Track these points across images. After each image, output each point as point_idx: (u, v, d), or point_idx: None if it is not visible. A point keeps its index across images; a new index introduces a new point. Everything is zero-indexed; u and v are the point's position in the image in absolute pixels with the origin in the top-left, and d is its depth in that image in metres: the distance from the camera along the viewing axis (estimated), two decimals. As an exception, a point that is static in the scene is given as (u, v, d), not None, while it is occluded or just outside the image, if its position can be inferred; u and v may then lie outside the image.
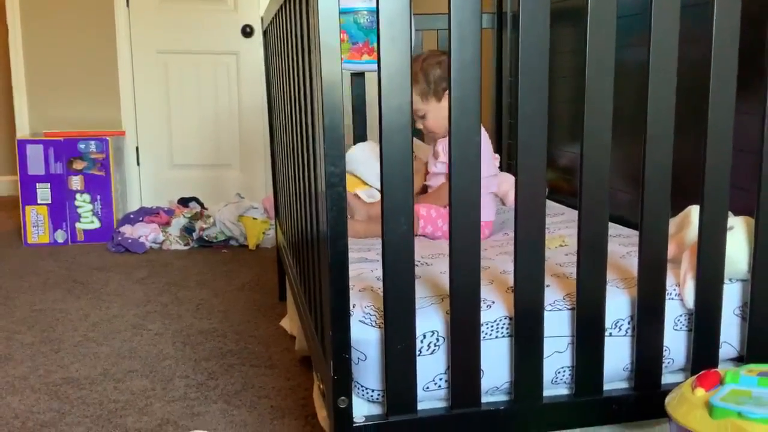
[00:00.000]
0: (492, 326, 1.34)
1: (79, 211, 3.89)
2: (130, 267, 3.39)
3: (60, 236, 3.89)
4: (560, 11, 2.41)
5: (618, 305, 1.39)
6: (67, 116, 4.34)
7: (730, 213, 1.40)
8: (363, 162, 2.39)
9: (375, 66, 2.59)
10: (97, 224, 3.92)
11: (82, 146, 3.85)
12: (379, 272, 1.42)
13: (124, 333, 2.48)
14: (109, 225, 3.91)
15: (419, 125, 2.11)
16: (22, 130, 4.33)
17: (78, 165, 3.86)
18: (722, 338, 1.43)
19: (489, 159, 2.09)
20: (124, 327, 2.54)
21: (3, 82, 5.04)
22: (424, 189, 2.20)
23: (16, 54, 4.29)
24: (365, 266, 1.62)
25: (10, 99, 4.45)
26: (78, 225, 3.90)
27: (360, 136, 2.84)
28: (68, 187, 3.86)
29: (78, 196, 3.88)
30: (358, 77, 2.81)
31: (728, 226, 1.40)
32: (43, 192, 3.84)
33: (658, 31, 1.28)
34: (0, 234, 4.14)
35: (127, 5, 4.32)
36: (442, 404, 1.34)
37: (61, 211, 3.87)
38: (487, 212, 2.02)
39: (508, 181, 2.37)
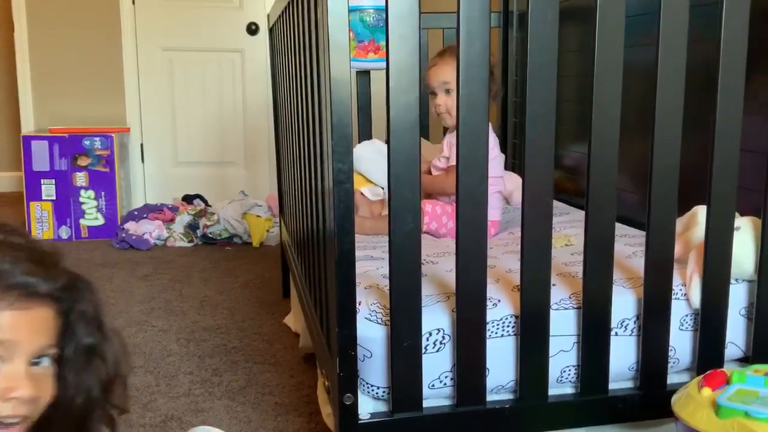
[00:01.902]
0: (498, 325, 1.33)
1: (84, 207, 3.89)
2: (134, 263, 3.40)
3: (64, 232, 3.89)
4: (567, 11, 2.40)
5: (624, 305, 1.39)
6: (72, 113, 4.34)
7: (737, 213, 1.40)
8: (368, 160, 2.38)
9: (381, 64, 2.61)
10: (101, 221, 3.92)
11: (86, 143, 3.85)
12: (385, 270, 1.42)
13: (128, 329, 2.48)
14: (113, 221, 3.92)
15: (438, 102, 2.03)
16: (27, 127, 4.33)
17: (82, 161, 3.86)
18: (728, 338, 1.43)
19: (497, 159, 2.08)
20: (129, 323, 2.54)
21: (8, 78, 5.04)
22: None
23: (21, 50, 4.29)
24: (370, 264, 1.62)
25: (15, 95, 4.45)
26: (82, 221, 3.90)
27: (365, 135, 2.84)
28: (73, 184, 3.86)
29: (82, 192, 3.88)
30: (363, 75, 2.81)
31: (735, 226, 1.40)
32: (48, 188, 3.84)
33: (666, 31, 1.28)
34: (4, 230, 4.14)
35: (133, 2, 4.33)
36: (447, 402, 1.35)
37: (65, 208, 3.87)
38: (494, 212, 2.02)
39: (513, 180, 2.36)
